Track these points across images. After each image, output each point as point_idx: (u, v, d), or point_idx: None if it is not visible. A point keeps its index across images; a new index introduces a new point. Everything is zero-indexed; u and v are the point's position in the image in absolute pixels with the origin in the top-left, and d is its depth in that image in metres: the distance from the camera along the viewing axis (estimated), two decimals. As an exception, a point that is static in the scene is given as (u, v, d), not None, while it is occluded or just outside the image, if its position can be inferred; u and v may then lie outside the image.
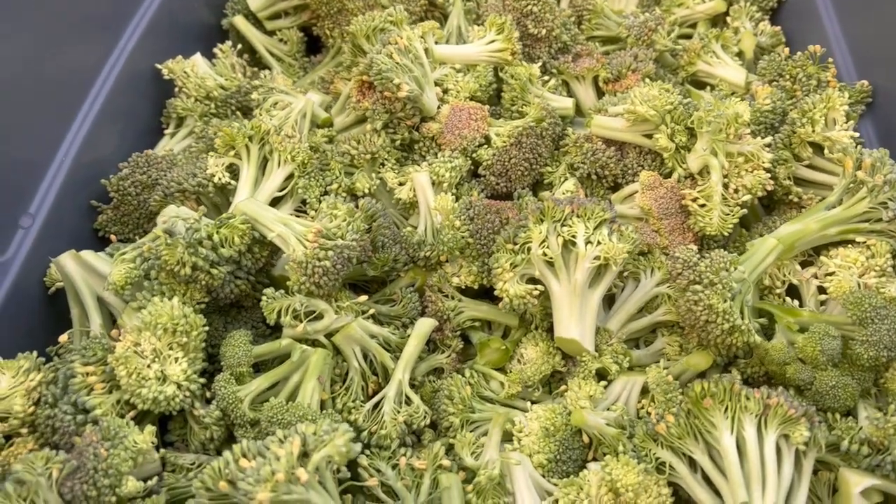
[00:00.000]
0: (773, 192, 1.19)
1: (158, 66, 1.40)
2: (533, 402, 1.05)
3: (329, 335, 1.01)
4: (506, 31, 1.29)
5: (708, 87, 1.42)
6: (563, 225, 1.01)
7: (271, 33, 1.57)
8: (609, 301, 1.13)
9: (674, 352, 1.07)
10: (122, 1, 1.38)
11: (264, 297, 0.98)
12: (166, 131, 1.40)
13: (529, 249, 1.01)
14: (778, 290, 1.08)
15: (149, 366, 0.90)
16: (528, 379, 1.04)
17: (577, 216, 1.01)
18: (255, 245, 1.01)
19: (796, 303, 1.05)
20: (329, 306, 1.00)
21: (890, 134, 1.22)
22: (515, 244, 1.02)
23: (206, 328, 0.94)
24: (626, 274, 1.11)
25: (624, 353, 1.04)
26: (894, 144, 1.20)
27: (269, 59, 1.54)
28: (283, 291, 1.00)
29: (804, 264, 1.10)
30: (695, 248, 1.01)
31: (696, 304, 0.96)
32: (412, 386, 1.04)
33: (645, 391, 1.02)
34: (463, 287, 1.11)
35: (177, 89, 1.40)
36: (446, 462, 0.92)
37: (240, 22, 1.54)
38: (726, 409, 0.86)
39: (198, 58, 1.42)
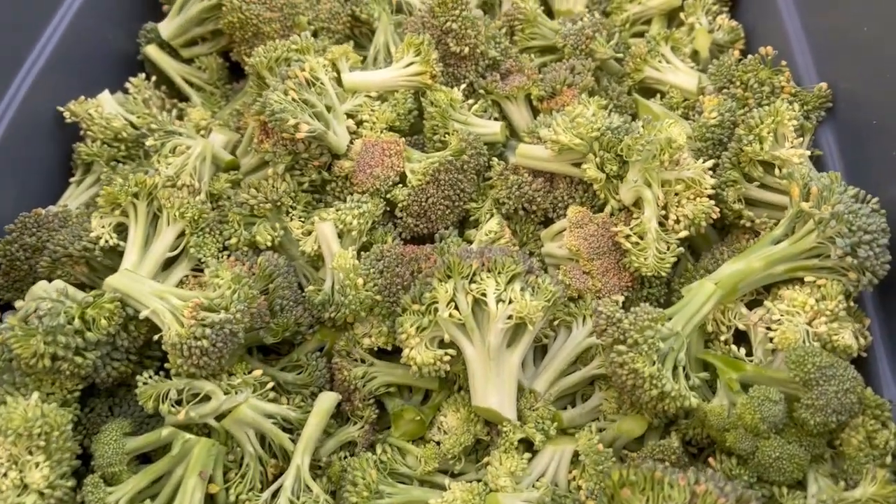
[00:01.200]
0: (724, 216, 1.08)
1: (60, 109, 1.29)
2: (455, 475, 0.95)
3: (221, 417, 0.91)
4: (423, 52, 1.17)
5: (658, 95, 1.30)
6: (471, 282, 0.90)
7: (190, 61, 1.46)
8: (543, 351, 1.02)
9: (611, 409, 0.96)
10: (16, 36, 1.27)
11: (139, 384, 0.88)
12: (72, 180, 1.30)
13: (437, 310, 0.90)
14: (724, 337, 0.96)
15: (4, 474, 0.80)
16: (447, 452, 0.93)
17: (488, 271, 0.90)
18: (131, 322, 0.91)
19: (743, 351, 0.94)
20: (216, 387, 0.90)
21: (852, 142, 1.10)
22: (422, 304, 0.92)
23: (70, 426, 0.84)
24: (556, 322, 1.00)
25: (552, 418, 0.93)
26: (857, 153, 1.08)
27: (188, 90, 1.43)
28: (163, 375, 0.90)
29: (753, 304, 0.98)
30: (620, 299, 0.90)
31: (620, 366, 0.85)
32: (318, 467, 0.94)
33: (578, 459, 0.92)
34: (375, 349, 1.00)
35: (82, 132, 1.30)
36: (342, 565, 0.82)
37: (153, 52, 1.43)
38: (648, 499, 0.75)
39: (104, 96, 1.31)
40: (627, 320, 0.85)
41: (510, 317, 0.88)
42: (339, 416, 1.00)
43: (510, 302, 0.88)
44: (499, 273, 0.90)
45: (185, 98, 1.44)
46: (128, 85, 1.38)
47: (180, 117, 1.39)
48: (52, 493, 0.82)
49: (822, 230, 0.88)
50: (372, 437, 0.98)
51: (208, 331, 0.86)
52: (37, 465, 0.82)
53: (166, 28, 1.42)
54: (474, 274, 0.90)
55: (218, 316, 0.87)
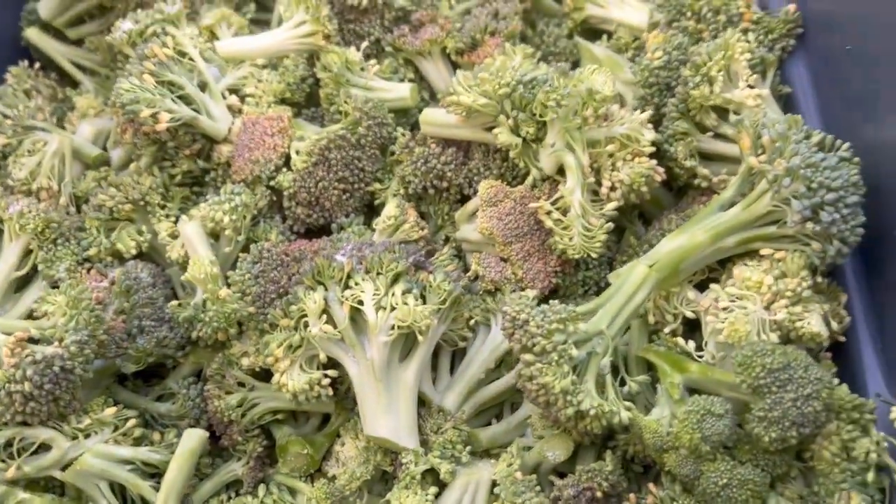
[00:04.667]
0: (676, 177, 0.90)
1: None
2: (357, 515, 0.80)
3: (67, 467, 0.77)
4: (312, 8, 0.99)
5: (605, 36, 1.11)
6: (345, 287, 0.73)
7: (80, 42, 1.29)
8: (462, 355, 0.86)
9: (541, 423, 0.80)
10: None
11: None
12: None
13: (308, 325, 0.74)
14: (669, 328, 0.79)
15: None
16: (343, 489, 0.78)
17: (365, 272, 0.73)
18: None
19: (693, 344, 0.77)
20: (57, 433, 0.75)
21: (827, 74, 0.91)
22: (291, 318, 0.76)
23: None
24: (473, 321, 0.84)
25: (464, 441, 0.77)
26: (833, 87, 0.90)
27: (79, 75, 1.27)
28: None
29: (707, 283, 0.80)
30: (532, 293, 0.73)
31: (529, 380, 0.68)
32: (192, 516, 0.80)
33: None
34: (258, 369, 0.84)
35: (-51, 137, 1.14)
36: None
37: (34, 35, 1.26)
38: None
39: (-29, 94, 1.15)
40: (534, 322, 0.68)
41: (394, 327, 0.72)
42: (224, 451, 0.84)
43: (392, 309, 0.72)
44: (378, 274, 0.73)
45: (77, 84, 1.28)
46: (6, 76, 1.22)
47: (71, 108, 1.23)
48: None
49: (777, 190, 0.70)
50: (261, 474, 0.83)
51: (30, 371, 0.71)
52: None
53: (45, 7, 1.25)
54: (348, 277, 0.73)
55: (44, 352, 0.72)
